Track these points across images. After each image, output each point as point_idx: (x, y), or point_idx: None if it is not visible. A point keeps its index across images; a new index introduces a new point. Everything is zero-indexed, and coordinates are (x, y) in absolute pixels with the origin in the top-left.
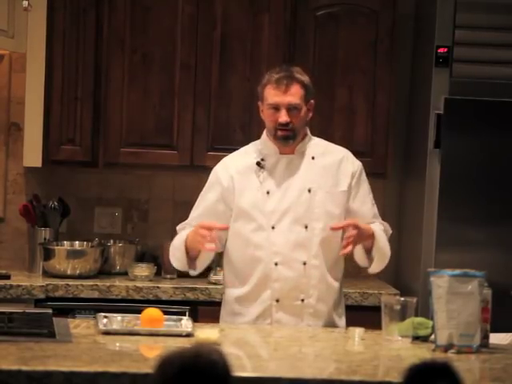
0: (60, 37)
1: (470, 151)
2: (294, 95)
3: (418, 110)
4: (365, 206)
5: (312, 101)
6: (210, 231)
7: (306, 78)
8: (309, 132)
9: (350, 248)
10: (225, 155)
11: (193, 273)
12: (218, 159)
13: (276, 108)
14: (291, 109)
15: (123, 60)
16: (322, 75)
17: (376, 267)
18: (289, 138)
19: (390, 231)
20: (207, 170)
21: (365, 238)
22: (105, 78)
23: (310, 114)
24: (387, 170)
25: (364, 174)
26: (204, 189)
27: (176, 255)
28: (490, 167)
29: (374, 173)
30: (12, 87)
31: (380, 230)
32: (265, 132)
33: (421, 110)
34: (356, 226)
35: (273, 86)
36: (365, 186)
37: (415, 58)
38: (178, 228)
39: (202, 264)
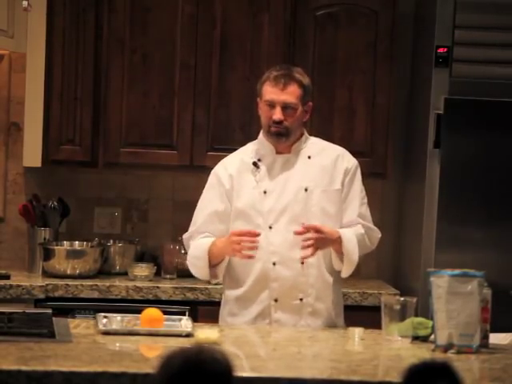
0: (60, 37)
1: (469, 151)
2: (291, 94)
3: (417, 110)
4: (352, 204)
5: (310, 103)
6: (253, 237)
7: (305, 79)
8: (305, 131)
9: (308, 251)
10: (225, 155)
11: (214, 281)
12: (217, 159)
13: (271, 105)
14: (286, 107)
15: (123, 60)
16: (321, 75)
17: (345, 272)
18: (281, 134)
19: (378, 235)
20: (207, 170)
21: (329, 242)
22: (104, 78)
23: (308, 116)
24: (387, 170)
25: (359, 173)
26: (204, 192)
27: (198, 265)
28: (489, 167)
29: (374, 173)
30: (12, 87)
31: (353, 233)
32: (261, 132)
33: (421, 110)
34: (318, 230)
35: (271, 83)
36: (357, 185)
37: (415, 58)
38: (184, 237)
39: (221, 271)
